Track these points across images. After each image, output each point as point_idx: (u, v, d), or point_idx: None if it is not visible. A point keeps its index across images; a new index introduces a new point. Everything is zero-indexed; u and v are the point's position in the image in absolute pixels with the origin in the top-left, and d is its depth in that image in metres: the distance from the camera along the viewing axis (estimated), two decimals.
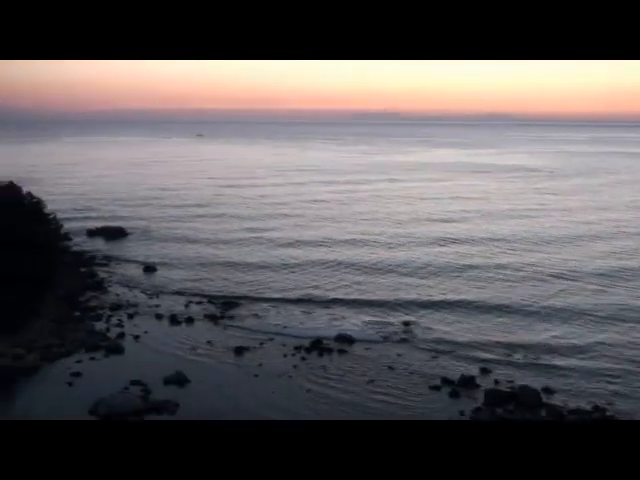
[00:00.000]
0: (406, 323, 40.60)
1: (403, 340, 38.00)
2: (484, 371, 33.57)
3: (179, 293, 47.53)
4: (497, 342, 37.40)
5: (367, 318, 41.69)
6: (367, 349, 36.80)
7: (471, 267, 54.33)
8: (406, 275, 52.03)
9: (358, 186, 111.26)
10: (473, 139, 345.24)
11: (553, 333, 39.01)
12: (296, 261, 56.12)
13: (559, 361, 34.86)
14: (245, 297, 46.14)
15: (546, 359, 35.12)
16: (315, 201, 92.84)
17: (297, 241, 64.40)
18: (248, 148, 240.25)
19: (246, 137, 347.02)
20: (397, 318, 41.57)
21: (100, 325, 40.00)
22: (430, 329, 39.69)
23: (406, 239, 65.76)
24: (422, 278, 51.05)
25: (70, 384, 31.54)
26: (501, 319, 41.59)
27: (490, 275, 52.00)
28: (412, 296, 46.10)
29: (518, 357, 35.43)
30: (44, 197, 57.07)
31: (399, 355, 35.89)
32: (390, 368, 34.08)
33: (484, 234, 68.58)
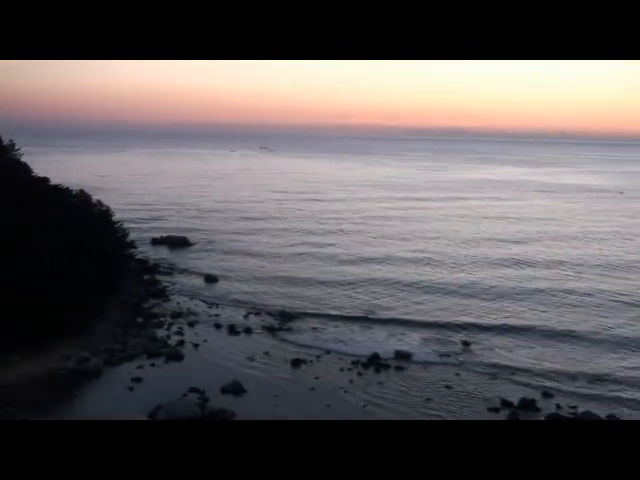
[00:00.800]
0: (466, 343, 39.86)
1: (462, 360, 37.31)
2: (545, 395, 32.62)
3: (239, 304, 48.05)
4: (561, 369, 36.22)
5: (426, 337, 41.19)
6: (425, 367, 36.32)
7: (537, 291, 52.57)
8: (469, 296, 50.85)
9: (421, 203, 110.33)
10: (538, 157, 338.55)
11: (622, 363, 37.49)
12: (356, 278, 55.60)
13: (627, 392, 33.45)
14: (304, 312, 46.22)
15: (613, 389, 33.80)
16: (377, 217, 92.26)
17: (358, 258, 63.74)
18: (312, 162, 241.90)
19: (310, 151, 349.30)
20: (457, 338, 40.86)
21: (161, 332, 40.82)
22: (491, 351, 38.84)
23: (469, 259, 64.29)
24: (485, 300, 49.81)
25: (131, 389, 32.24)
26: (566, 346, 40.23)
27: (557, 300, 50.26)
28: (473, 318, 45.01)
29: (582, 385, 34.24)
30: (113, 205, 58.87)
31: (457, 375, 35.24)
32: (448, 387, 33.48)
33: (551, 256, 66.50)
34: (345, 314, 45.62)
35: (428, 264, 61.92)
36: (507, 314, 46.16)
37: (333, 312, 46.11)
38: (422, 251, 67.75)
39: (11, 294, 35.58)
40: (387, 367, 36.20)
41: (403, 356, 37.62)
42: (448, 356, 37.98)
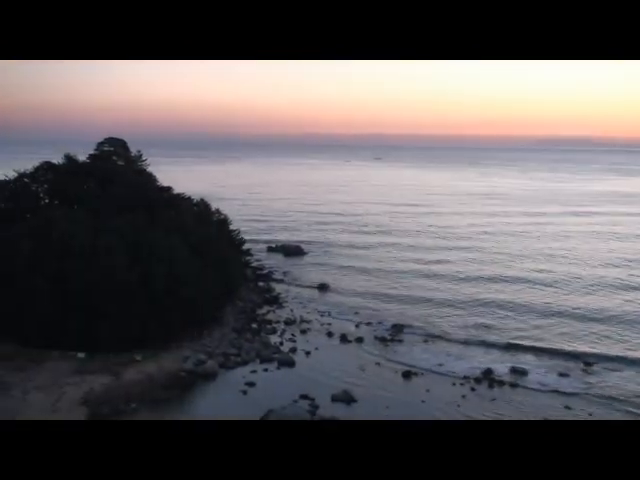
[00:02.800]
0: (586, 367, 37.82)
1: (582, 384, 35.38)
2: None
3: (350, 314, 48.16)
4: None
5: (543, 358, 39.36)
6: (541, 385, 34.87)
7: None
8: (593, 321, 46.76)
9: (541, 217, 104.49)
10: None
11: None
12: (469, 297, 52.97)
13: None
14: (415, 325, 45.62)
15: None
16: (494, 233, 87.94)
17: (472, 276, 60.62)
18: (425, 172, 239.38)
19: (423, 161, 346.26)
20: (577, 362, 38.50)
21: (274, 338, 41.69)
22: (611, 374, 36.73)
23: (596, 282, 59.07)
24: (610, 326, 45.66)
25: (244, 392, 33.11)
26: None
27: None
28: (596, 345, 41.78)
29: None
30: (230, 214, 60.91)
31: (574, 394, 33.58)
32: (567, 408, 32.00)
33: None
34: (457, 332, 44.38)
35: (550, 286, 57.48)
36: (632, 345, 41.96)
37: (444, 328, 45.00)
38: (542, 271, 63.32)
39: (136, 295, 37.59)
40: (501, 383, 35.07)
41: (519, 373, 36.33)
42: (567, 376, 36.26)
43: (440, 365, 37.62)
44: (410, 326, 45.07)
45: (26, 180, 49.82)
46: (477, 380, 35.38)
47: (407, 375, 36.04)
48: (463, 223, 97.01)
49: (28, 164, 52.68)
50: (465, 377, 35.74)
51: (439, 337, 43.03)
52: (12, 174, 49.23)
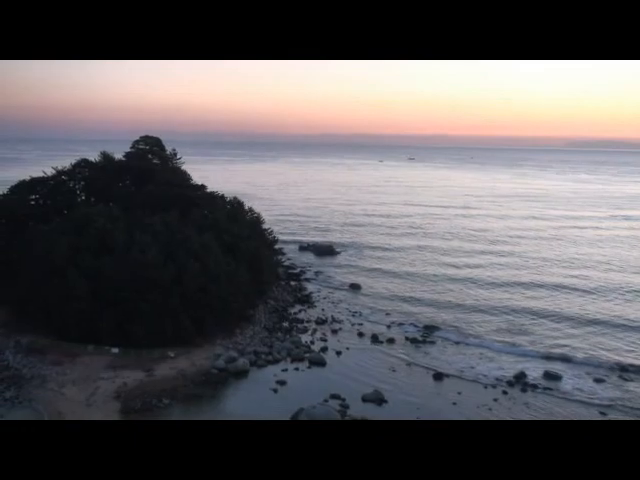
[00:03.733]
0: (623, 370, 37.15)
1: (617, 389, 34.76)
2: None
3: (381, 314, 48.00)
4: None
5: (577, 363, 38.68)
6: (576, 390, 34.32)
7: None
8: (630, 330, 45.48)
9: (582, 221, 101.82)
10: None
11: None
12: (504, 303, 51.68)
13: None
14: (447, 327, 45.26)
15: None
16: (530, 237, 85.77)
17: (508, 282, 59.25)
18: (460, 173, 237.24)
19: (457, 162, 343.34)
20: (612, 370, 37.63)
21: (305, 338, 41.75)
22: None
23: (634, 289, 57.24)
24: None
25: (275, 391, 33.24)
26: None
27: None
28: (631, 353, 40.69)
29: None
30: (263, 212, 61.17)
31: (609, 400, 33.04)
32: (602, 413, 31.45)
33: None
34: (489, 335, 43.79)
35: (585, 292, 56.05)
36: None
37: (477, 332, 44.45)
38: (579, 277, 61.69)
39: (169, 292, 38.00)
40: (535, 387, 34.60)
41: (553, 378, 35.79)
42: (602, 382, 35.62)
43: (472, 368, 37.27)
44: (442, 329, 44.73)
45: (64, 177, 50.79)
46: (509, 383, 34.96)
47: (438, 377, 35.77)
48: (498, 226, 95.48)
49: (66, 161, 53.72)
50: (497, 380, 35.35)
51: (471, 340, 42.59)
52: (50, 171, 50.21)
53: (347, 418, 29.72)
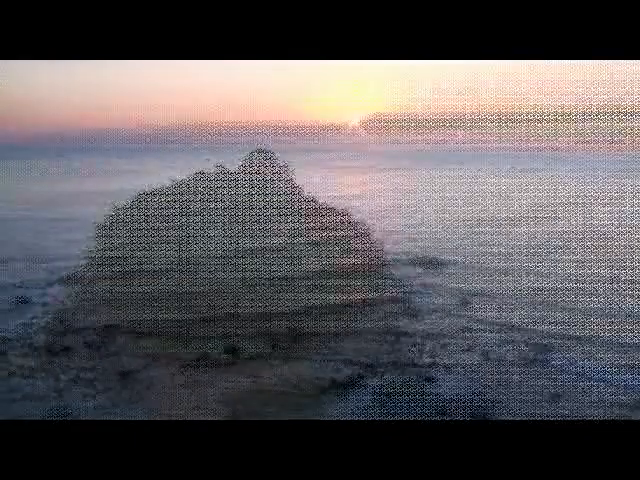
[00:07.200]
0: None
1: None
2: None
3: (493, 329, 46.26)
4: None
5: None
6: None
7: None
8: None
9: None
10: None
11: None
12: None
13: None
14: (567, 343, 42.92)
15: None
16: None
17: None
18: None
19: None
20: None
21: (412, 352, 40.73)
22: None
23: None
24: None
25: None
26: None
27: None
28: None
29: None
30: (370, 223, 60.73)
31: None
32: None
33: None
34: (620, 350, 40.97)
35: None
36: None
37: (604, 347, 41.78)
38: None
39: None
40: None
41: None
42: None
43: (592, 386, 35.01)
44: (561, 344, 42.38)
45: None
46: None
47: (555, 398, 33.85)
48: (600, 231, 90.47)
49: (184, 171, 55.35)
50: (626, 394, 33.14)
51: (594, 357, 39.91)
52: (167, 182, 51.90)
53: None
